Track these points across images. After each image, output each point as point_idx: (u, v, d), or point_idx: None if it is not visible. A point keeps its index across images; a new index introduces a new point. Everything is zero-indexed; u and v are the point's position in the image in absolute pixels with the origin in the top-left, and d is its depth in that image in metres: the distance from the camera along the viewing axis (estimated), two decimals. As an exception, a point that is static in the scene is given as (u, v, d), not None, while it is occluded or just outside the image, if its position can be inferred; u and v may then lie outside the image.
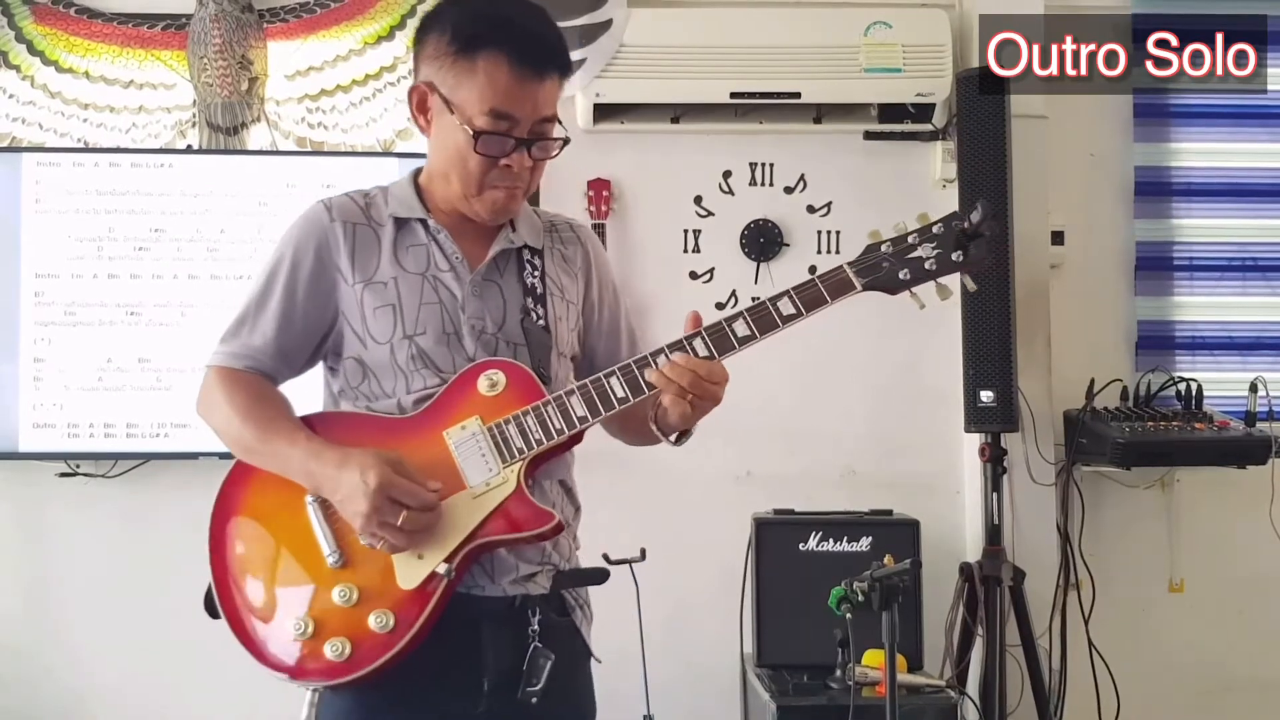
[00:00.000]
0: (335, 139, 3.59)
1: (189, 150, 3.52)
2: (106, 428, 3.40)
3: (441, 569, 1.69)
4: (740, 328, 1.74)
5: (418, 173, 1.93)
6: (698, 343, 1.74)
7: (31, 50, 3.55)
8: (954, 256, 1.74)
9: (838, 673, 2.96)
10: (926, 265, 1.75)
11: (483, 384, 1.78)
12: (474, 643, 1.77)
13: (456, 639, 1.74)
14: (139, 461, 3.44)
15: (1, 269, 3.40)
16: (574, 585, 1.89)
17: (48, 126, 3.55)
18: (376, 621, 1.69)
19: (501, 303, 1.85)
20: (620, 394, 1.75)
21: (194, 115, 3.55)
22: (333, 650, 1.69)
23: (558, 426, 1.75)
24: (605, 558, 3.01)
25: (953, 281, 1.78)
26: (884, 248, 1.77)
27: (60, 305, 3.41)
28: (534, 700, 1.75)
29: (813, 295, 1.75)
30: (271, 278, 1.85)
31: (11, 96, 3.54)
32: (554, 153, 1.84)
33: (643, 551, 3.04)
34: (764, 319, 1.74)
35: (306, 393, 1.93)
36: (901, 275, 1.75)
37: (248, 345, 1.84)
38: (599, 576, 1.93)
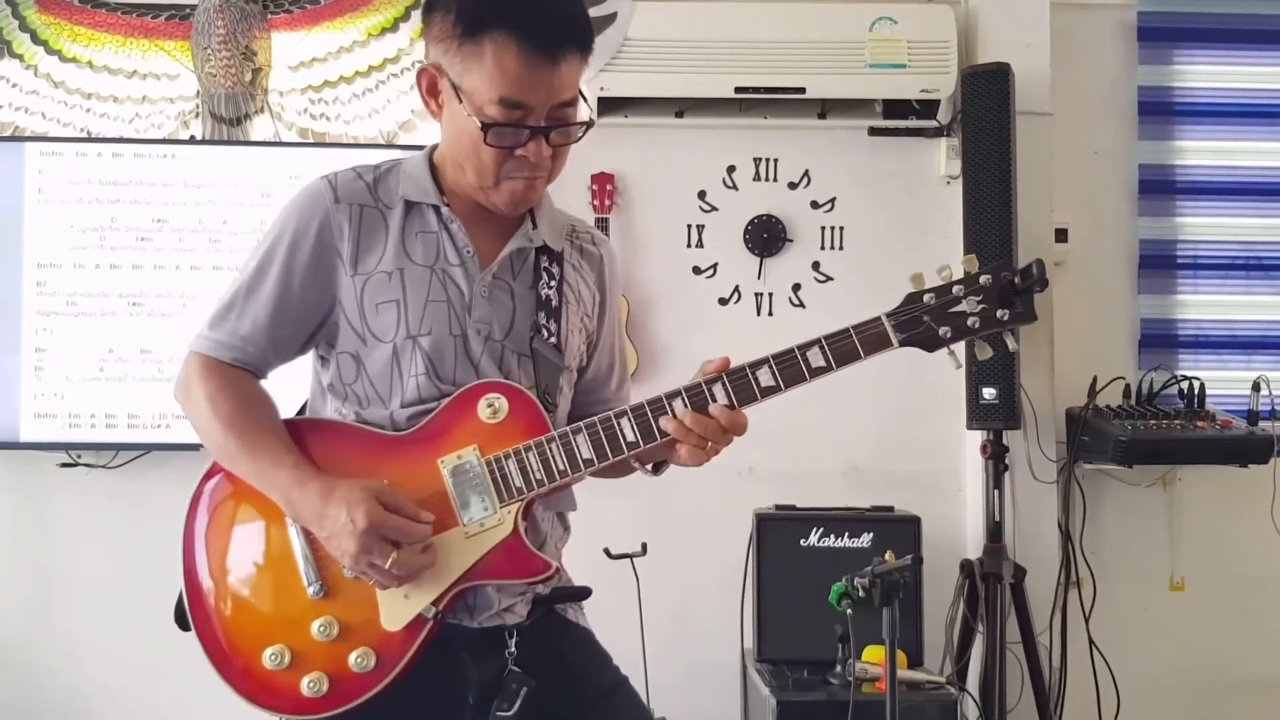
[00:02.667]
0: (338, 130, 3.59)
1: (192, 141, 3.52)
2: (108, 418, 3.40)
3: (429, 612, 1.61)
4: (765, 377, 1.62)
5: (434, 149, 1.77)
6: (718, 389, 1.62)
7: (35, 39, 3.55)
8: (999, 314, 1.62)
9: (838, 668, 2.97)
10: (969, 322, 1.63)
11: (483, 409, 1.65)
12: (454, 665, 1.69)
13: (436, 662, 1.65)
14: (140, 452, 3.45)
15: (4, 259, 3.40)
16: (555, 604, 1.79)
17: (51, 116, 3.55)
18: (357, 661, 1.61)
19: (510, 309, 1.72)
20: (630, 438, 1.63)
21: (197, 106, 3.55)
22: (309, 686, 1.61)
23: (560, 468, 1.63)
24: (606, 552, 3.02)
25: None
26: (926, 298, 1.63)
27: (62, 295, 3.41)
28: None
29: (846, 348, 1.63)
30: (267, 259, 1.70)
31: (15, 86, 3.54)
32: (576, 137, 1.68)
33: (644, 546, 3.04)
34: (791, 370, 1.62)
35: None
36: (942, 333, 1.63)
37: (235, 333, 1.70)
38: (582, 594, 1.83)
